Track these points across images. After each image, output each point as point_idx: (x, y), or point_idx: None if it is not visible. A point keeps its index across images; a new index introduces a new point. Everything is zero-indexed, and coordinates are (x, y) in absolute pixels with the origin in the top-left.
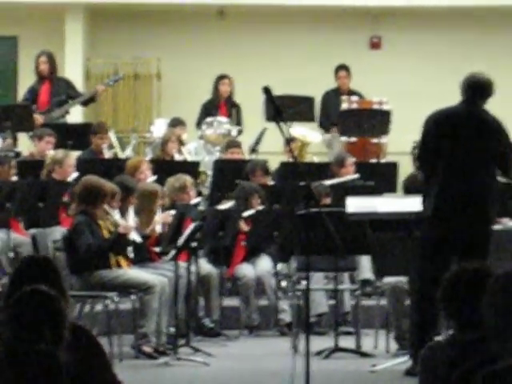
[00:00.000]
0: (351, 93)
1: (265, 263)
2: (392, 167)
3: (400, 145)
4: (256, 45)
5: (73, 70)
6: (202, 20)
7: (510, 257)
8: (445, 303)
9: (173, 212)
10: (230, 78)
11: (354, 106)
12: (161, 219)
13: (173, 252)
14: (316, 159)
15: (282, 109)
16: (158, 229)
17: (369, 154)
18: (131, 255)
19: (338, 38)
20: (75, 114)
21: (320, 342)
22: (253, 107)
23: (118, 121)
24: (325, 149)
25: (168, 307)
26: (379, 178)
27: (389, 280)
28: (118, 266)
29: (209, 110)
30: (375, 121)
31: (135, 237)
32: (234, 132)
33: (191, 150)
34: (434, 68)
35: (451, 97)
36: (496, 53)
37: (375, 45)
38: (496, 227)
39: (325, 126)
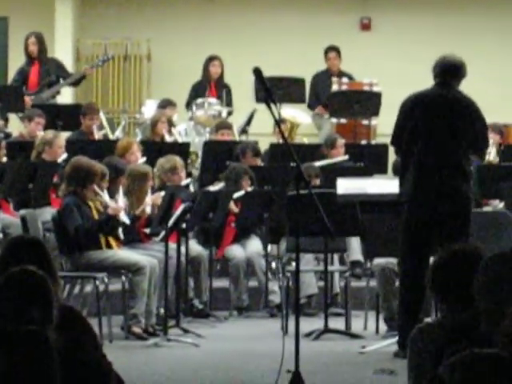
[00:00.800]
0: (341, 74)
1: (255, 244)
2: (382, 149)
3: (390, 126)
4: (246, 26)
5: (62, 51)
6: (193, 1)
7: (498, 238)
8: (434, 285)
9: (163, 193)
10: (220, 59)
11: (345, 87)
12: (151, 200)
13: (163, 233)
14: (306, 141)
15: (272, 90)
16: (148, 210)
17: (359, 135)
18: (121, 236)
19: (328, 20)
20: (65, 95)
21: (310, 324)
22: (243, 88)
23: (107, 102)
24: (315, 130)
25: (158, 288)
26: (369, 160)
27: (378, 261)
28: (108, 246)
29: (199, 91)
30: (365, 102)
31: (124, 218)
32: (224, 113)
33: (181, 131)
34: (423, 49)
35: None
36: (485, 36)
37: (365, 26)
38: (485, 209)
39: (314, 108)
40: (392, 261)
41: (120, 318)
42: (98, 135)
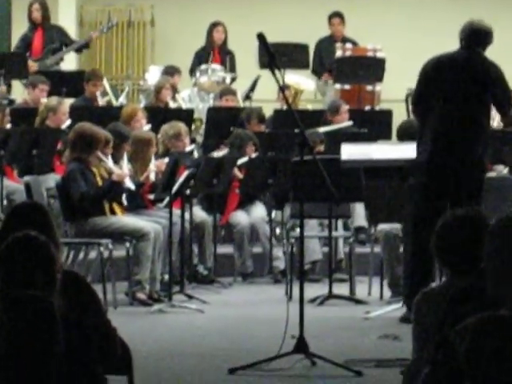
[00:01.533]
0: (345, 40)
1: (259, 210)
2: (386, 114)
3: (394, 92)
4: None
5: (66, 18)
6: None
7: (503, 204)
8: (438, 250)
9: (167, 159)
10: (224, 25)
11: (349, 53)
12: (155, 167)
13: (167, 199)
14: (310, 107)
15: (275, 56)
16: (153, 176)
17: (363, 101)
18: (125, 203)
19: None
20: (69, 62)
21: (314, 289)
22: (246, 55)
23: (111, 68)
24: (318, 96)
25: (162, 254)
26: (373, 126)
27: (382, 227)
28: (112, 213)
29: (202, 57)
30: (369, 68)
31: (129, 184)
32: (227, 79)
33: (185, 97)
34: (428, 14)
35: (446, 44)
36: (495, 2)
37: None
38: (490, 174)
39: (319, 74)
40: (396, 226)
41: (124, 285)
42: (101, 101)
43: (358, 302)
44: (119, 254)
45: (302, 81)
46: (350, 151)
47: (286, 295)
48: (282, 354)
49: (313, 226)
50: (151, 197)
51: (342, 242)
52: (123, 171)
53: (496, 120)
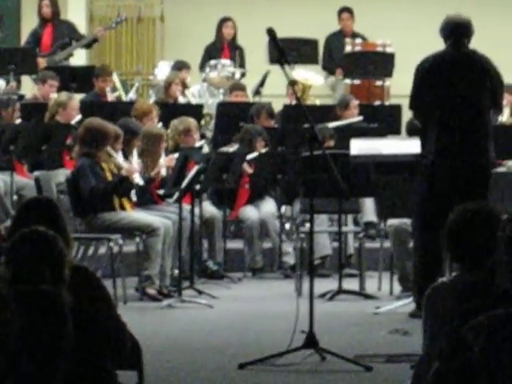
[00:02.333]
0: (355, 35)
1: (269, 206)
2: (396, 109)
3: (404, 87)
4: None
5: (76, 13)
6: None
7: None
8: (449, 245)
9: (177, 155)
10: (233, 21)
11: (358, 48)
12: (165, 162)
13: (176, 194)
14: (318, 102)
15: (285, 51)
16: (163, 172)
17: (373, 96)
18: (134, 198)
19: None
20: (78, 57)
21: (324, 285)
22: (256, 50)
23: (121, 64)
24: (327, 91)
25: (172, 249)
26: (383, 121)
27: (392, 222)
28: (122, 208)
29: (212, 52)
30: (379, 63)
31: (138, 180)
32: (237, 75)
33: (195, 92)
34: (437, 9)
35: None
36: None
37: None
38: (500, 169)
39: (329, 69)
40: (406, 221)
41: (134, 280)
42: (111, 97)
43: (368, 297)
44: (129, 249)
45: (310, 76)
46: (359, 146)
47: (296, 290)
48: (292, 349)
49: (322, 221)
50: (161, 192)
51: (352, 237)
52: (133, 166)
53: (505, 115)
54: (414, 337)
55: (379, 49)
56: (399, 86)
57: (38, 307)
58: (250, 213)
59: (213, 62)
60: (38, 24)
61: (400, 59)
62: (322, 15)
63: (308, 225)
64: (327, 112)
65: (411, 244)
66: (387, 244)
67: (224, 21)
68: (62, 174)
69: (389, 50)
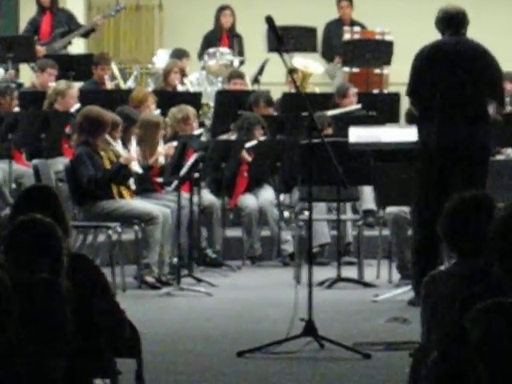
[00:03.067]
0: (353, 23)
1: (267, 194)
2: (394, 97)
3: (402, 75)
4: None
5: (74, 1)
6: None
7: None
8: (446, 233)
9: (175, 143)
10: (232, 9)
11: (357, 36)
12: (163, 150)
13: (175, 183)
14: (317, 90)
15: (284, 39)
16: (161, 160)
17: (371, 84)
18: (133, 186)
19: None
20: (77, 45)
21: (322, 273)
22: (254, 38)
23: (119, 52)
24: (326, 79)
25: (171, 238)
26: (382, 109)
27: (391, 210)
28: (121, 196)
29: (210, 40)
30: (378, 51)
31: (136, 168)
32: (236, 63)
33: (193, 80)
34: None
35: None
36: None
37: None
38: (498, 157)
39: (328, 57)
40: (404, 209)
41: (133, 268)
42: (110, 85)
43: (367, 285)
44: (128, 238)
45: (309, 64)
46: (358, 134)
47: (295, 278)
48: (291, 337)
49: (321, 209)
50: (160, 180)
51: (351, 225)
52: (131, 154)
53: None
54: (413, 325)
55: (378, 37)
56: (398, 74)
57: (36, 295)
58: (248, 201)
59: (211, 50)
60: (36, 12)
61: (399, 47)
62: (321, 3)
63: (307, 213)
64: (326, 100)
65: (410, 232)
66: (386, 232)
67: (222, 9)
68: (60, 163)
69: (387, 38)
